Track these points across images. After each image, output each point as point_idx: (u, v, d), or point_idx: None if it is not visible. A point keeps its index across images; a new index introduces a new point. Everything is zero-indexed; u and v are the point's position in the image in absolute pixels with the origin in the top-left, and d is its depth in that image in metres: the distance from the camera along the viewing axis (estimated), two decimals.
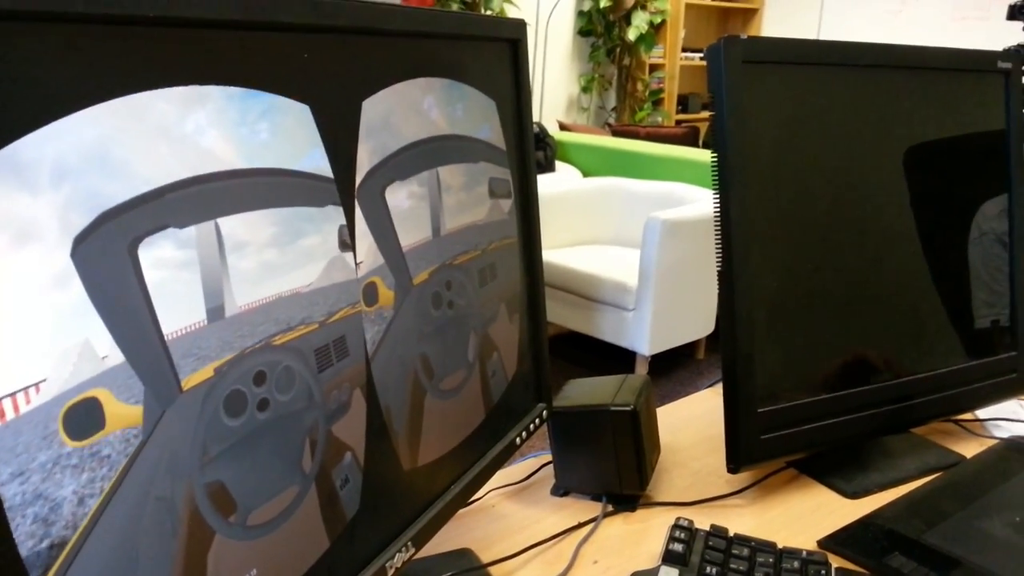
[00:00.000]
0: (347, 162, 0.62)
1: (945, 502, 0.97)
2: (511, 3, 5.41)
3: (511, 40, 0.87)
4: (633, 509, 0.98)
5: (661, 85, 6.56)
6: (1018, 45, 4.51)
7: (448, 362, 0.77)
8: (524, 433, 0.92)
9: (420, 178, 0.71)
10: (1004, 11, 4.80)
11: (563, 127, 5.44)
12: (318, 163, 0.59)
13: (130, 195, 0.44)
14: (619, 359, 3.66)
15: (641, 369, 3.45)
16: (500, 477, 1.05)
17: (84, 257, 0.42)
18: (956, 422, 1.21)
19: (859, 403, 1.03)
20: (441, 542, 0.90)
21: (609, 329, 3.47)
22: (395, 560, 0.69)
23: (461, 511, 0.95)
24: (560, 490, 1.02)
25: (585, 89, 6.33)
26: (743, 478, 1.04)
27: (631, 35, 6.10)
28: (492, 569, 0.86)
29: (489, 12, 5.16)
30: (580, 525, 0.94)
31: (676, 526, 0.86)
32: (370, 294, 0.65)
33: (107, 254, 0.43)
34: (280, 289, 0.55)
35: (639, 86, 6.40)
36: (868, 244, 1.03)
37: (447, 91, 0.75)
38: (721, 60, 0.91)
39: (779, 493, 1.02)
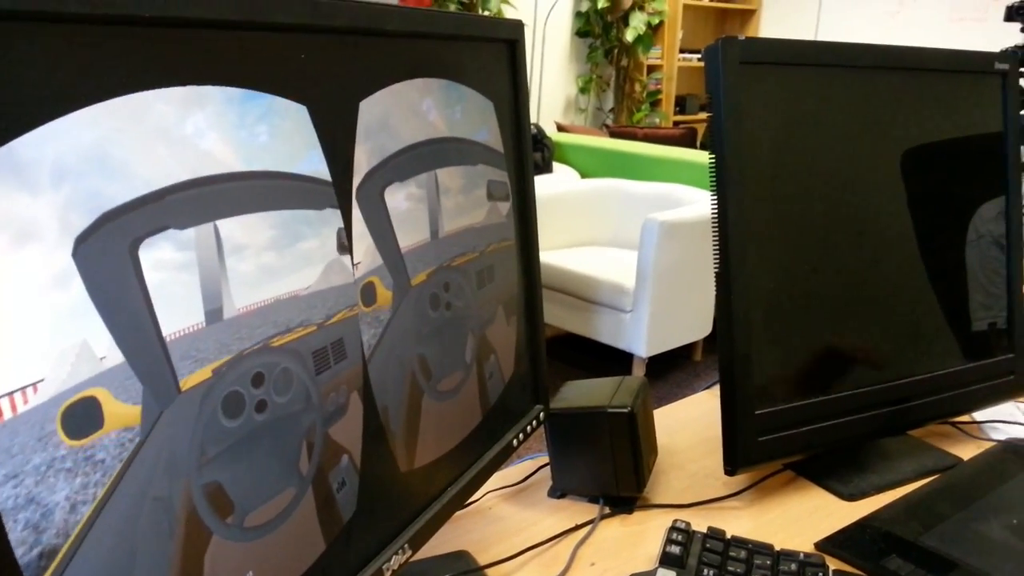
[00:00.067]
0: (344, 163, 0.62)
1: (942, 504, 0.97)
2: (509, 4, 5.41)
3: (509, 41, 0.87)
4: (630, 511, 0.98)
5: (659, 86, 6.57)
6: (1015, 46, 4.53)
7: (446, 363, 0.77)
8: (521, 435, 0.91)
9: (419, 180, 0.71)
10: (1002, 12, 4.81)
11: (561, 128, 5.44)
12: (316, 166, 0.59)
13: (131, 196, 0.44)
14: (616, 361, 3.66)
15: (638, 371, 3.45)
16: (497, 479, 1.05)
17: (85, 257, 0.42)
18: (953, 424, 1.21)
19: (856, 405, 1.03)
20: (438, 544, 0.90)
21: (606, 331, 3.47)
22: (392, 562, 0.69)
23: (458, 513, 0.95)
24: (557, 492, 1.02)
25: (583, 90, 6.34)
26: (740, 480, 1.04)
27: (629, 36, 6.10)
28: (489, 571, 0.86)
29: (486, 13, 5.16)
30: (577, 527, 0.94)
31: (673, 528, 0.86)
32: (368, 294, 0.65)
33: (108, 254, 0.43)
34: (278, 292, 0.55)
35: (637, 87, 6.41)
36: (866, 246, 1.03)
37: (445, 92, 0.75)
38: (719, 61, 0.91)
39: (776, 495, 1.02)
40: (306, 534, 0.59)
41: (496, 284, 0.85)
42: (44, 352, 0.40)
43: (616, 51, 6.30)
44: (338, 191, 0.61)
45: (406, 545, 0.71)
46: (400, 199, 0.69)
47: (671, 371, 3.67)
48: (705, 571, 0.81)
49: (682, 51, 6.59)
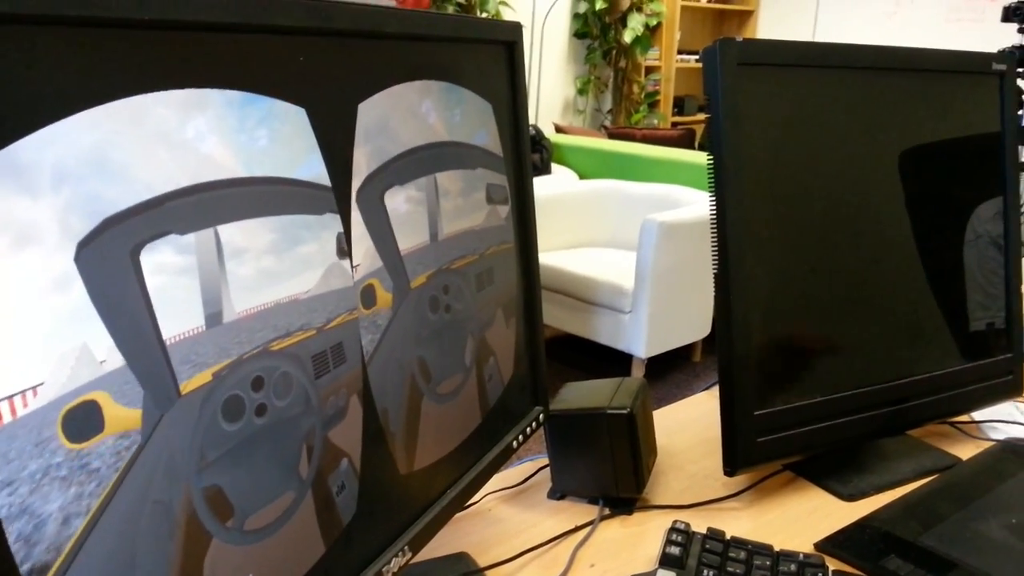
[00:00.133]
0: (344, 167, 0.62)
1: (941, 504, 0.97)
2: (507, 5, 5.41)
3: (507, 43, 0.87)
4: (630, 512, 0.98)
5: (657, 87, 6.57)
6: (1013, 47, 4.53)
7: (445, 366, 0.77)
8: (521, 436, 0.91)
9: (418, 183, 0.71)
10: (998, 13, 4.82)
11: (559, 129, 5.44)
12: (316, 170, 0.59)
13: (133, 201, 0.45)
14: (615, 362, 3.66)
15: (637, 372, 3.45)
16: (497, 481, 1.05)
17: (87, 262, 0.42)
18: (952, 424, 1.22)
19: (855, 405, 1.03)
20: (438, 546, 0.90)
21: (605, 332, 3.47)
22: (392, 564, 0.69)
23: (458, 515, 0.95)
24: (557, 493, 1.02)
25: (581, 91, 6.34)
26: (740, 481, 1.04)
27: (627, 37, 6.11)
28: (489, 573, 0.86)
29: (485, 14, 5.17)
30: (577, 528, 0.94)
31: (673, 529, 0.86)
32: (368, 296, 0.65)
33: (110, 259, 0.43)
34: (278, 296, 0.55)
35: (635, 88, 6.41)
36: (864, 246, 1.03)
37: (443, 94, 0.75)
38: (717, 62, 0.91)
39: (776, 496, 1.02)
40: (306, 537, 0.59)
41: (495, 286, 0.85)
42: (44, 355, 0.40)
43: (614, 52, 6.30)
44: (337, 195, 0.61)
45: (406, 547, 0.71)
46: (400, 202, 0.69)
47: (670, 372, 3.67)
48: (705, 572, 0.81)
49: (680, 52, 6.60)
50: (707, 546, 0.85)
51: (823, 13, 6.54)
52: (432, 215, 0.74)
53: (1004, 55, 1.14)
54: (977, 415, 1.23)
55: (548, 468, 1.02)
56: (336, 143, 0.61)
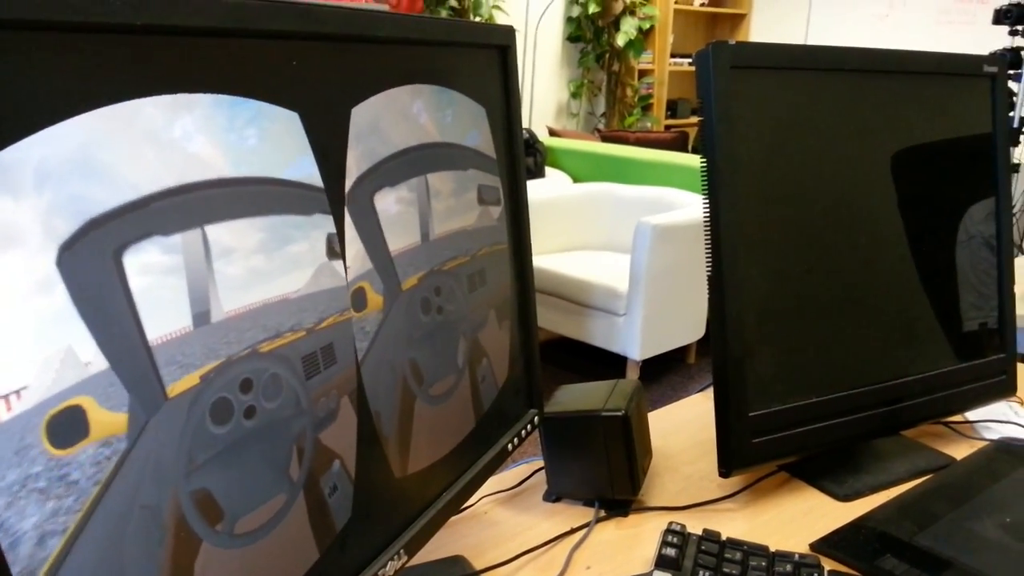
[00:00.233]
0: (337, 170, 0.62)
1: (936, 504, 0.97)
2: (500, 10, 5.42)
3: (500, 46, 0.87)
4: (625, 514, 0.98)
5: (650, 90, 6.58)
6: (1004, 49, 4.54)
7: (438, 368, 0.77)
8: (516, 439, 0.91)
9: (409, 184, 0.71)
10: (989, 15, 4.84)
11: (553, 133, 5.45)
12: (307, 171, 0.58)
13: (116, 202, 0.44)
14: (610, 364, 3.66)
15: (632, 374, 3.45)
16: (492, 484, 1.05)
17: (69, 264, 0.41)
18: (946, 424, 1.22)
19: (850, 406, 1.03)
20: (433, 549, 0.90)
21: (600, 334, 3.48)
22: (387, 568, 0.69)
23: (453, 518, 0.95)
24: (552, 496, 1.02)
25: (574, 95, 6.35)
26: (735, 482, 1.05)
27: (620, 41, 6.12)
28: None
29: (478, 18, 5.17)
30: (573, 531, 0.94)
31: (669, 531, 0.86)
32: (359, 299, 0.65)
33: (92, 261, 0.43)
34: (267, 296, 0.55)
35: (628, 92, 6.42)
36: (857, 247, 1.03)
37: (436, 98, 0.75)
38: (709, 65, 0.92)
39: (771, 497, 1.03)
40: (299, 540, 0.59)
41: (488, 288, 0.85)
42: (27, 358, 0.40)
43: (607, 56, 6.31)
44: (330, 197, 0.61)
45: (402, 551, 0.71)
46: (390, 203, 0.68)
47: (665, 374, 3.68)
48: (701, 573, 0.81)
49: (673, 56, 6.61)
50: (703, 547, 0.85)
51: (815, 16, 6.56)
52: (423, 216, 0.74)
53: (995, 57, 1.15)
54: (971, 415, 1.24)
55: (543, 471, 1.03)
56: (329, 147, 0.61)
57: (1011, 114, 4.65)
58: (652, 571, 0.82)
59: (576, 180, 4.54)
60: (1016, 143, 4.76)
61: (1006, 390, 1.18)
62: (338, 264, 0.62)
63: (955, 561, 0.85)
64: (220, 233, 0.51)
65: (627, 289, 3.30)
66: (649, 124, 6.51)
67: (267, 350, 0.55)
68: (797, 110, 0.98)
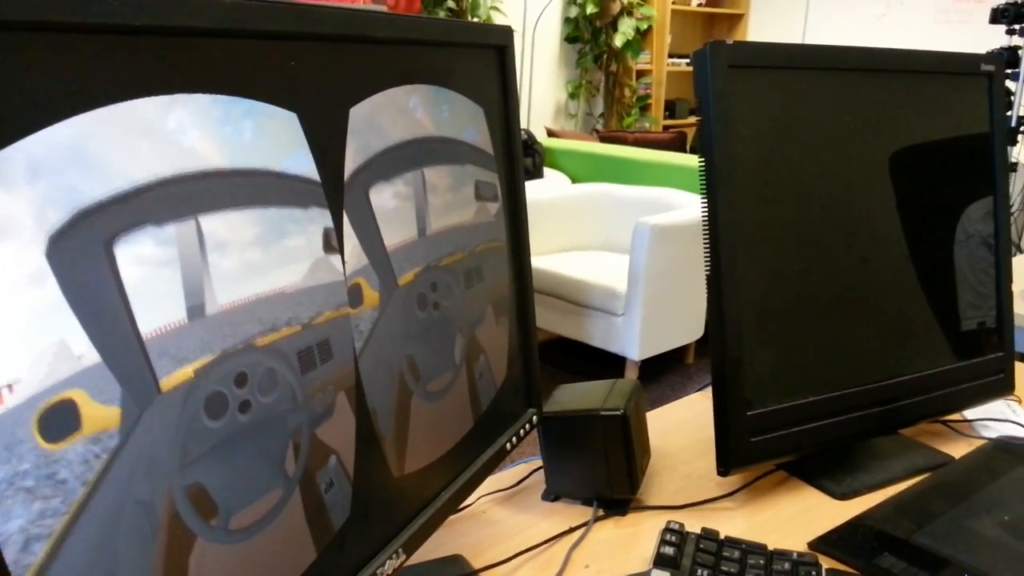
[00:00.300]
0: (335, 169, 0.62)
1: (934, 502, 0.97)
2: (498, 10, 5.42)
3: (498, 47, 0.87)
4: (624, 513, 0.98)
5: (648, 91, 6.59)
6: (1001, 48, 4.55)
7: (434, 364, 0.77)
8: (514, 438, 0.92)
9: (405, 179, 0.71)
10: (986, 15, 4.85)
11: (551, 133, 5.45)
12: (304, 165, 0.58)
13: (108, 192, 0.44)
14: (609, 365, 3.66)
15: (631, 374, 3.45)
16: (491, 483, 1.05)
17: (60, 256, 0.41)
18: (944, 423, 1.22)
19: (848, 405, 1.03)
20: (432, 548, 0.90)
21: (599, 335, 3.48)
22: (386, 567, 0.69)
23: (452, 517, 0.95)
24: (551, 495, 1.02)
25: (573, 95, 6.35)
26: (733, 481, 1.05)
27: (618, 41, 6.12)
28: (484, 575, 0.86)
29: (476, 19, 5.17)
30: (571, 530, 0.94)
31: (667, 529, 0.86)
32: (355, 295, 0.64)
33: (83, 252, 0.42)
34: (263, 289, 0.54)
35: (626, 92, 6.42)
36: (856, 247, 1.03)
37: (434, 97, 0.75)
38: (707, 65, 0.92)
39: (769, 495, 1.03)
40: (296, 537, 0.59)
41: (485, 284, 0.85)
42: (20, 352, 0.39)
43: (605, 56, 6.32)
44: (327, 192, 0.61)
45: (400, 549, 0.71)
46: (386, 198, 0.68)
47: (664, 374, 3.68)
48: (699, 572, 0.81)
49: (671, 56, 6.61)
50: (701, 546, 0.85)
51: (813, 16, 6.57)
52: (420, 210, 0.73)
53: (992, 56, 1.15)
54: (969, 413, 1.24)
55: (542, 470, 1.03)
56: (328, 148, 0.61)
57: (1008, 113, 4.66)
58: (650, 570, 0.82)
59: (574, 180, 4.54)
60: (1014, 142, 4.77)
61: (1004, 389, 1.18)
62: (335, 259, 0.62)
63: (953, 559, 0.85)
64: (215, 225, 0.51)
65: (626, 289, 3.30)
66: (647, 124, 6.52)
67: (262, 344, 0.55)
68: (795, 109, 0.98)
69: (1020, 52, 4.69)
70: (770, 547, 0.86)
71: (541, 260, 3.73)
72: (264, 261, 0.55)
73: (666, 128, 6.53)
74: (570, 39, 6.24)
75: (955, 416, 1.22)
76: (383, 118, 0.68)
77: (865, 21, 6.24)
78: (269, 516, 0.56)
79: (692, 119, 6.74)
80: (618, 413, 0.94)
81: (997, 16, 4.74)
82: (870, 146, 1.04)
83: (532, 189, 4.07)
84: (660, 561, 0.83)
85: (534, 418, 0.96)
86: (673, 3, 6.47)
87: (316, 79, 0.60)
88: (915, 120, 1.08)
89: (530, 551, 0.90)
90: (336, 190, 0.62)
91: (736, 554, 0.84)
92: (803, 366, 1.01)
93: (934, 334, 1.11)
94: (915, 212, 1.08)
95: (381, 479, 0.69)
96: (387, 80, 0.68)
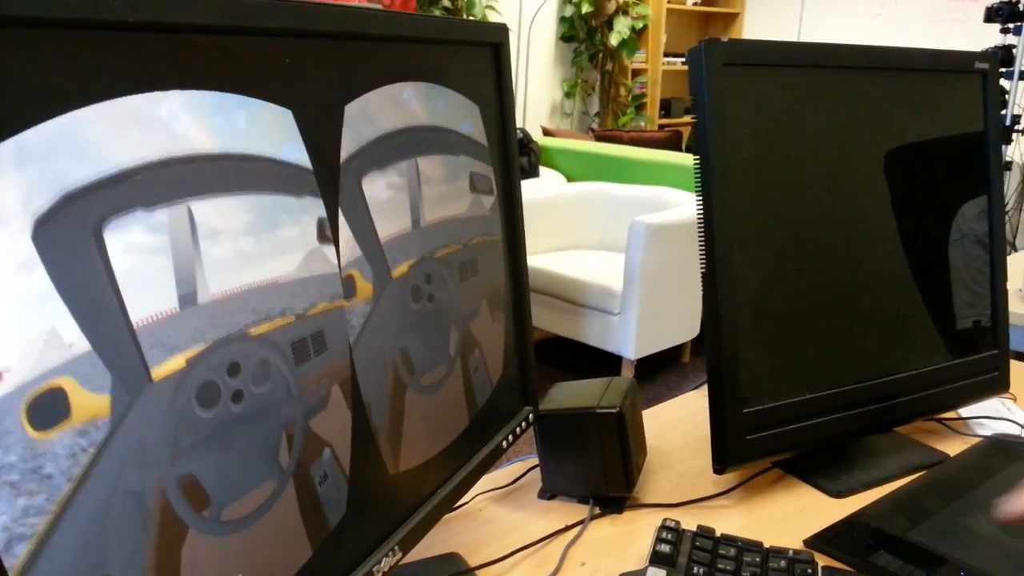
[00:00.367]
0: (330, 168, 0.62)
1: (929, 500, 0.97)
2: (493, 9, 5.42)
3: (493, 44, 0.87)
4: (620, 511, 0.98)
5: (644, 90, 6.59)
6: (996, 47, 4.56)
7: (429, 357, 0.77)
8: (511, 436, 0.92)
9: (399, 168, 0.71)
10: (980, 14, 4.86)
11: (547, 132, 5.45)
12: (298, 156, 0.58)
13: (96, 175, 0.43)
14: (605, 364, 3.66)
15: (627, 373, 3.45)
16: (487, 481, 1.05)
17: (46, 239, 0.40)
18: (940, 421, 1.22)
19: (843, 403, 1.03)
20: (428, 546, 0.90)
21: (595, 333, 3.48)
22: (382, 564, 0.69)
23: (448, 515, 0.95)
24: (547, 493, 1.02)
25: (568, 94, 6.35)
26: (729, 479, 1.05)
27: (613, 40, 6.12)
28: (480, 573, 0.86)
29: (471, 18, 5.17)
30: (567, 528, 0.94)
31: (663, 527, 0.86)
32: (348, 287, 0.64)
33: (70, 236, 0.42)
34: (255, 279, 0.54)
35: (622, 91, 6.42)
36: (851, 245, 1.04)
37: (430, 94, 0.75)
38: (702, 63, 0.92)
39: (765, 493, 1.03)
40: (290, 530, 0.58)
41: (480, 277, 0.85)
42: (9, 340, 0.39)
43: (601, 55, 6.32)
44: (322, 185, 0.60)
45: (396, 547, 0.71)
46: (380, 188, 0.68)
47: (660, 373, 3.68)
48: (695, 569, 0.81)
49: (666, 55, 6.62)
50: (697, 544, 0.85)
51: (808, 15, 6.57)
52: (414, 201, 0.73)
53: (987, 54, 1.15)
54: (964, 411, 1.24)
55: (538, 468, 1.03)
56: (323, 145, 0.61)
57: (1003, 112, 4.67)
58: (647, 567, 0.82)
59: (570, 179, 4.54)
60: (1008, 141, 4.78)
61: (999, 386, 1.19)
62: (329, 250, 0.62)
63: (949, 557, 0.85)
64: (207, 212, 0.50)
65: (622, 288, 3.30)
66: (643, 123, 6.52)
67: (255, 334, 0.54)
68: (790, 107, 0.98)
69: (1014, 51, 4.70)
70: (766, 545, 0.86)
71: (537, 259, 3.73)
72: (257, 250, 0.54)
73: (661, 127, 6.53)
74: (565, 38, 6.24)
75: (950, 414, 1.22)
76: (378, 114, 0.68)
77: (860, 20, 6.25)
78: (263, 508, 0.56)
79: (687, 118, 6.74)
80: (614, 411, 0.94)
81: (991, 15, 4.75)
82: (865, 144, 1.04)
83: (528, 188, 4.07)
84: (656, 559, 0.83)
85: (530, 416, 0.96)
86: (668, 2, 6.48)
87: (311, 76, 0.60)
88: (910, 118, 1.08)
89: (526, 549, 0.90)
90: (331, 182, 0.62)
91: (732, 552, 0.84)
92: (798, 364, 1.01)
93: (929, 332, 1.12)
94: (910, 210, 1.08)
95: (377, 476, 0.69)
96: (382, 77, 0.68)
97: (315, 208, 0.60)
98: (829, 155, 1.01)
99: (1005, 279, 1.19)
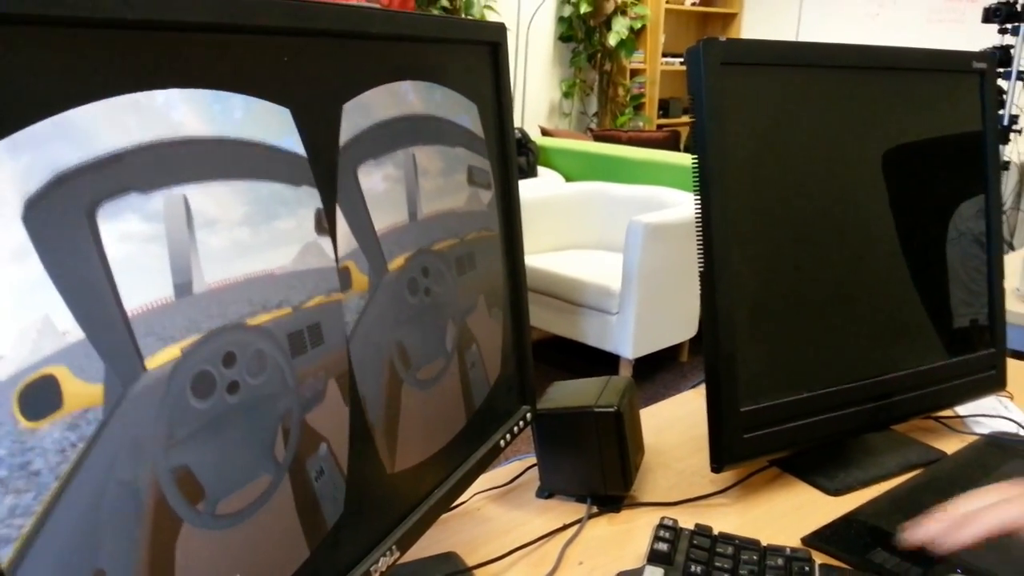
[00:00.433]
0: (328, 167, 0.62)
1: (927, 498, 0.98)
2: (491, 9, 5.42)
3: (491, 43, 0.87)
4: (618, 510, 0.98)
5: (642, 90, 6.59)
6: (993, 47, 4.56)
7: (425, 350, 0.76)
8: (508, 436, 0.92)
9: (396, 160, 0.70)
10: (978, 14, 4.86)
11: (545, 132, 5.45)
12: (295, 151, 0.58)
13: (89, 156, 0.43)
14: (603, 363, 3.66)
15: (625, 373, 3.45)
16: (485, 480, 1.05)
17: (37, 222, 0.40)
18: (937, 419, 1.22)
19: (841, 401, 1.03)
20: (426, 546, 0.90)
21: (593, 333, 3.48)
22: (380, 564, 0.69)
23: (446, 515, 0.95)
24: (545, 492, 1.02)
25: (567, 94, 6.35)
26: (727, 477, 1.05)
27: (611, 40, 6.12)
28: (478, 572, 0.86)
29: (470, 17, 5.17)
30: (565, 527, 0.94)
31: (661, 526, 0.86)
32: (344, 279, 0.64)
33: (63, 219, 0.41)
34: (252, 269, 0.54)
35: (620, 91, 6.43)
36: (848, 244, 1.04)
37: (428, 93, 0.75)
38: (700, 62, 0.92)
39: (762, 492, 1.03)
40: (286, 526, 0.58)
41: (477, 272, 0.85)
42: (3, 327, 0.39)
43: (599, 55, 6.32)
44: (317, 172, 0.60)
45: (394, 547, 0.71)
46: (376, 180, 0.68)
47: (658, 372, 3.68)
48: (693, 568, 0.81)
49: (665, 55, 6.62)
50: (695, 542, 0.85)
51: (806, 16, 6.58)
52: (411, 194, 0.73)
53: (984, 54, 1.15)
54: (961, 410, 1.24)
55: (536, 467, 1.03)
56: (321, 143, 0.61)
57: (1000, 112, 4.68)
58: (644, 566, 0.82)
59: (568, 179, 4.54)
60: (1005, 141, 4.79)
61: (996, 385, 1.19)
62: (326, 242, 0.61)
63: (945, 554, 0.85)
64: (203, 201, 0.50)
65: (620, 288, 3.31)
66: (641, 123, 6.52)
67: (251, 324, 0.54)
68: (788, 106, 0.99)
69: (1012, 51, 4.71)
70: (763, 543, 0.86)
71: (535, 259, 3.73)
72: (254, 241, 0.54)
73: (660, 127, 6.53)
74: (564, 38, 6.24)
75: (947, 412, 1.23)
76: (376, 113, 0.68)
77: (858, 20, 6.25)
78: (258, 502, 0.55)
79: (686, 118, 6.74)
80: (612, 410, 0.95)
81: (989, 15, 4.76)
82: (863, 143, 1.04)
83: (526, 188, 4.07)
84: (654, 557, 0.83)
85: (528, 415, 0.97)
86: (667, 2, 6.48)
87: (309, 75, 0.60)
88: (908, 118, 1.08)
89: (524, 548, 0.90)
90: (328, 173, 0.62)
91: (729, 550, 0.84)
92: (796, 362, 1.01)
93: (926, 331, 1.12)
94: (908, 209, 1.08)
95: (375, 475, 0.69)
96: (381, 76, 0.68)
97: (311, 199, 0.60)
98: (827, 154, 1.02)
99: (1002, 278, 1.19)
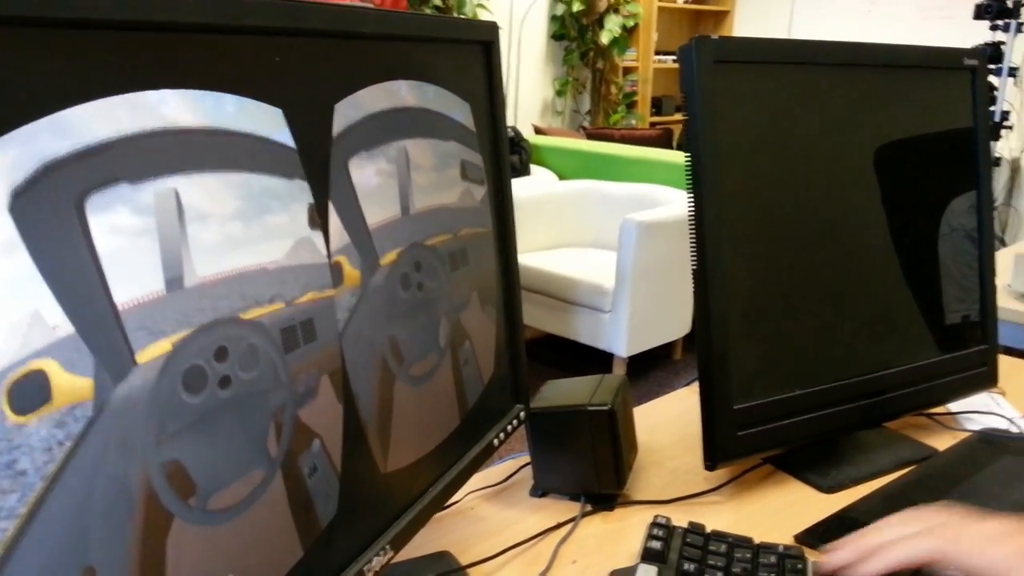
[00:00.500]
0: (321, 167, 0.62)
1: (919, 494, 0.98)
2: (484, 8, 5.42)
3: (484, 42, 0.87)
4: (611, 508, 0.98)
5: (635, 88, 6.59)
6: (984, 43, 4.58)
7: (418, 346, 0.76)
8: (502, 435, 0.92)
9: (388, 154, 0.70)
10: (970, 11, 4.88)
11: (538, 131, 5.45)
12: (287, 142, 0.58)
13: (77, 146, 0.42)
14: (596, 361, 3.66)
15: (619, 371, 3.45)
16: (478, 479, 1.05)
17: (24, 212, 0.39)
18: (929, 416, 1.23)
19: (833, 398, 1.04)
20: (420, 545, 0.90)
21: (586, 331, 3.48)
22: (373, 563, 0.69)
23: (439, 514, 0.95)
24: (538, 491, 1.02)
25: (559, 93, 6.35)
26: (720, 475, 1.05)
27: (604, 39, 6.12)
28: (471, 571, 0.86)
29: (462, 16, 5.17)
30: (559, 525, 0.94)
31: (654, 524, 0.86)
32: (336, 275, 0.63)
33: (51, 209, 0.41)
34: (244, 263, 0.53)
35: (613, 89, 6.42)
36: (841, 241, 1.04)
37: (420, 92, 0.75)
38: (693, 60, 0.92)
39: (755, 489, 1.03)
40: (279, 523, 0.58)
41: (470, 268, 0.85)
42: None
43: (592, 54, 6.32)
44: (309, 168, 0.60)
45: (387, 546, 0.71)
46: (369, 173, 0.67)
47: (651, 370, 3.69)
48: (686, 565, 0.81)
49: (657, 53, 6.62)
50: (688, 540, 0.85)
51: (798, 13, 6.59)
52: (403, 187, 0.72)
53: (975, 51, 1.16)
54: (953, 406, 1.24)
55: (529, 466, 1.03)
56: (313, 144, 0.61)
57: (992, 108, 4.69)
58: (638, 564, 0.82)
59: (562, 178, 4.54)
60: (997, 137, 4.80)
61: (987, 381, 1.19)
62: (318, 237, 0.61)
63: None
64: (194, 195, 0.49)
65: (613, 286, 3.31)
66: (634, 121, 6.52)
67: (244, 319, 0.53)
68: (780, 104, 0.99)
69: (1003, 47, 4.72)
70: (756, 540, 0.86)
71: (528, 257, 3.73)
72: (246, 235, 0.53)
73: (653, 125, 6.54)
74: (556, 36, 6.24)
75: (939, 409, 1.23)
76: (369, 109, 0.68)
77: (850, 17, 6.27)
78: (250, 498, 0.55)
79: (679, 116, 6.75)
80: (605, 408, 0.95)
81: (981, 12, 4.78)
82: (855, 140, 1.05)
83: (519, 186, 4.07)
84: (647, 555, 0.83)
85: (521, 414, 0.97)
86: (659, 0, 6.48)
87: (301, 75, 0.60)
88: (900, 114, 1.08)
89: (518, 547, 0.90)
90: (320, 169, 0.61)
91: (723, 548, 0.84)
92: (789, 360, 1.01)
93: (918, 328, 1.12)
94: (900, 206, 1.09)
95: (368, 475, 0.69)
96: (373, 76, 0.68)
97: (305, 195, 0.60)
98: (819, 151, 1.02)
99: (994, 274, 1.19)
